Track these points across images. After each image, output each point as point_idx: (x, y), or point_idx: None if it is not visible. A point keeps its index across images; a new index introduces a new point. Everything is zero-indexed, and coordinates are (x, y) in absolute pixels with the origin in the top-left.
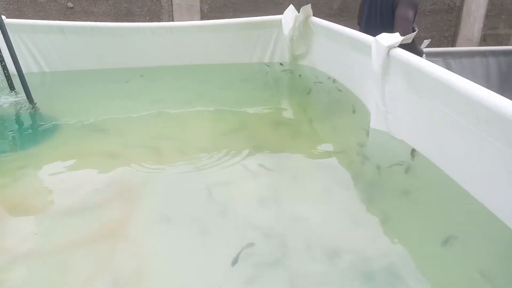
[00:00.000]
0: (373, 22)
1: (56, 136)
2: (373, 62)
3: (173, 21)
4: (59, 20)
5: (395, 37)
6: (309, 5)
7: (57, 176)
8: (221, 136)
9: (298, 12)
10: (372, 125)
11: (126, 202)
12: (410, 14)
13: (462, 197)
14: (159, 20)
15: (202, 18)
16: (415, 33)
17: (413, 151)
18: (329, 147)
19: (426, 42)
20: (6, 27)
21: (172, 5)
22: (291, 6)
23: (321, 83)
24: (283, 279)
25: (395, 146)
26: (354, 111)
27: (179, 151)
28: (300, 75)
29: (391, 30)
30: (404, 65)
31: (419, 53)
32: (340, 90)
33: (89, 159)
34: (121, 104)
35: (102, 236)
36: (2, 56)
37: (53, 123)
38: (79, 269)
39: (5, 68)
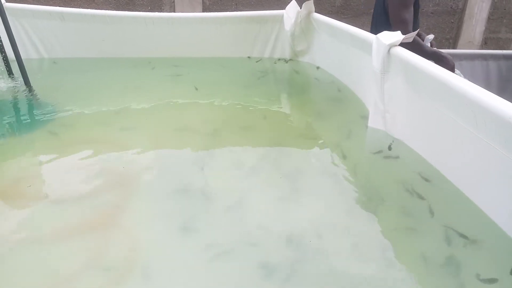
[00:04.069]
0: (371, 25)
1: (52, 122)
2: (373, 60)
3: (174, 12)
4: (59, 6)
5: (396, 36)
6: (312, 1)
7: (52, 163)
8: (216, 130)
9: (300, 8)
10: (370, 123)
11: (122, 191)
12: (404, 13)
13: (457, 197)
14: (160, 10)
15: (204, 11)
16: (415, 32)
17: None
18: (324, 144)
19: (430, 37)
20: (5, 11)
21: None
22: (293, 1)
23: (320, 80)
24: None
25: (391, 145)
26: (352, 110)
27: (176, 142)
28: (299, 72)
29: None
30: (404, 63)
31: (431, 55)
32: (339, 88)
33: (84, 147)
34: (119, 94)
35: (97, 225)
36: (1, 41)
37: (49, 109)
38: (72, 258)
39: (3, 53)
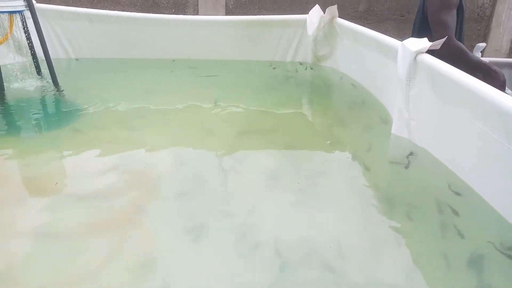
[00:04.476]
0: (412, 33)
1: (78, 121)
2: (399, 67)
3: (198, 14)
4: (87, 7)
5: (423, 42)
6: (335, 6)
7: (76, 161)
8: (237, 132)
9: (324, 13)
10: (394, 131)
11: (142, 191)
12: (445, 16)
13: (489, 213)
14: (184, 13)
15: (227, 14)
16: (444, 39)
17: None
18: (345, 150)
19: (481, 46)
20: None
21: None
22: (317, 6)
23: (343, 85)
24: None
25: (415, 154)
26: (375, 116)
27: (197, 144)
28: (321, 77)
29: (425, 36)
30: (431, 71)
31: (478, 67)
32: (361, 94)
33: (107, 146)
34: (142, 94)
35: (117, 223)
36: (32, 41)
37: (75, 108)
38: (92, 255)
39: (33, 52)
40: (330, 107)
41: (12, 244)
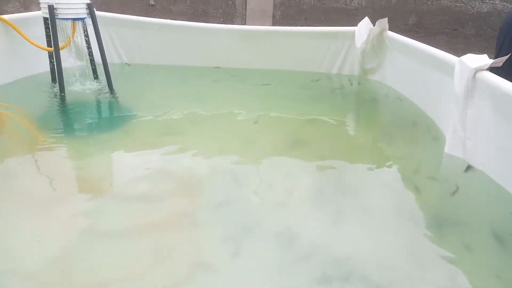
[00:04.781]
0: (497, 50)
1: (129, 124)
2: (456, 84)
3: (245, 24)
4: (140, 15)
5: (484, 59)
6: (386, 19)
7: (126, 163)
8: (280, 143)
9: (374, 25)
10: (447, 149)
11: (187, 196)
12: None
13: None
14: (232, 22)
15: (274, 24)
16: (506, 56)
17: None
18: (392, 167)
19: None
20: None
21: (246, 9)
22: (366, 18)
23: (390, 99)
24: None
25: (471, 175)
26: (425, 133)
27: (241, 152)
28: (368, 90)
29: None
30: (493, 89)
31: None
32: (410, 109)
33: (155, 149)
34: (192, 101)
35: (163, 226)
36: (90, 46)
37: (126, 111)
38: (139, 256)
39: (91, 57)
40: (376, 122)
41: (64, 241)
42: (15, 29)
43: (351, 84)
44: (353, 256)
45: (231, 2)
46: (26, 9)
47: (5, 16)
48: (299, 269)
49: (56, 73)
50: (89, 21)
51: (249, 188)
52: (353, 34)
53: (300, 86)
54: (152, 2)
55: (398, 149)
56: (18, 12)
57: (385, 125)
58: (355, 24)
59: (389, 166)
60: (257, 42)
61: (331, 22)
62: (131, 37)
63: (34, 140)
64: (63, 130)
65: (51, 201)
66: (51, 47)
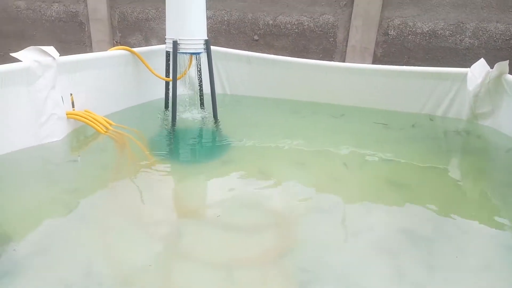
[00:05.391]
0: None
1: (228, 154)
2: None
3: (344, 61)
4: (244, 50)
5: None
6: (507, 62)
7: (224, 192)
8: (381, 186)
9: (490, 68)
10: None
11: (281, 232)
12: None
13: None
14: (331, 59)
15: (374, 62)
16: None
17: None
18: (505, 229)
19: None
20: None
21: (346, 46)
22: (482, 60)
23: (505, 148)
24: None
25: None
26: None
27: (332, 192)
28: (479, 136)
29: None
30: None
31: None
32: None
33: (252, 181)
34: (288, 133)
35: (258, 261)
36: (201, 77)
37: (227, 141)
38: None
39: (201, 87)
40: (487, 173)
41: (163, 265)
42: (143, 61)
43: (460, 126)
44: None
45: (333, 39)
46: (147, 41)
47: (135, 49)
48: None
49: (171, 102)
50: (203, 55)
51: (339, 231)
52: (464, 76)
53: (400, 126)
54: (256, 38)
55: (508, 204)
56: (139, 44)
57: (497, 177)
58: (463, 65)
59: (501, 227)
60: (358, 79)
61: (435, 61)
62: (236, 70)
63: (145, 160)
64: (168, 152)
65: (152, 220)
66: (169, 77)
